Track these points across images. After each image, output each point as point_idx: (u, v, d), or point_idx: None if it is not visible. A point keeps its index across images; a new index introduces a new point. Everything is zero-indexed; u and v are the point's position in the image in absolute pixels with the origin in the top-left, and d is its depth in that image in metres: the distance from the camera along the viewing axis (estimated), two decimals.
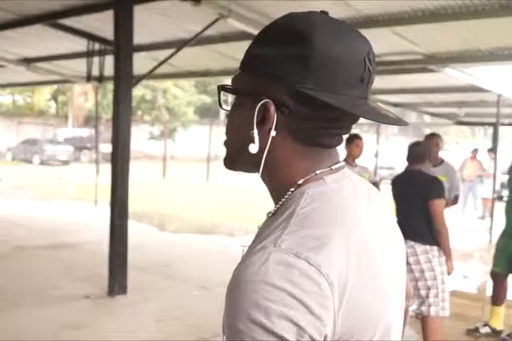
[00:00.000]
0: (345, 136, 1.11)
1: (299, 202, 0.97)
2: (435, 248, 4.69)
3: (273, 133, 1.00)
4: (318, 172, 1.03)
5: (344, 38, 0.98)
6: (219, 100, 1.10)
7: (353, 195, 1.04)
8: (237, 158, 1.10)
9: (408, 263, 4.67)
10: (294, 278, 0.85)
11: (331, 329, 0.87)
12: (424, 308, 4.70)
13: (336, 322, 0.88)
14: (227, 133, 1.11)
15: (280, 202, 1.03)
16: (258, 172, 1.05)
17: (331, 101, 0.95)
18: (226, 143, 1.12)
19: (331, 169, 1.05)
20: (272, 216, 1.04)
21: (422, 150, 4.95)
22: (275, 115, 0.99)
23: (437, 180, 4.85)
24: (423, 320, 4.77)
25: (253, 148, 1.01)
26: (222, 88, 1.09)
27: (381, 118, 0.99)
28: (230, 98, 1.11)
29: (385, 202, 1.17)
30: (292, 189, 1.02)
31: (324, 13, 1.03)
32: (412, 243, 4.65)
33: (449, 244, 4.74)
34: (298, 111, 0.99)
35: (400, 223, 4.89)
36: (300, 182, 1.02)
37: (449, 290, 4.81)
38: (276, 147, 1.02)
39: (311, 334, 0.84)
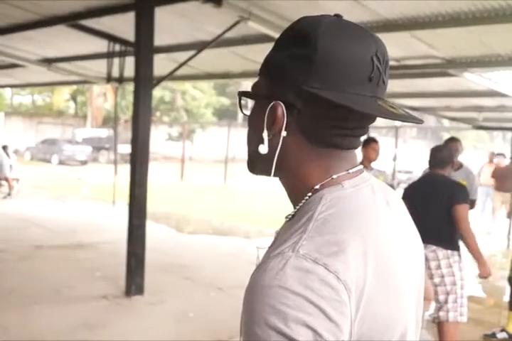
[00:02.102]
0: (361, 139, 1.12)
1: (317, 207, 0.97)
2: (456, 253, 4.66)
3: (283, 133, 1.01)
4: (335, 176, 1.03)
5: (350, 37, 0.99)
6: (239, 105, 1.14)
7: (372, 200, 1.04)
8: (254, 162, 1.12)
9: (429, 268, 4.66)
10: (312, 284, 0.85)
11: (347, 335, 0.87)
12: (442, 313, 4.65)
13: (352, 328, 0.88)
14: (247, 137, 1.13)
15: (298, 207, 1.04)
16: (271, 172, 1.06)
17: (333, 99, 0.95)
18: (247, 148, 1.14)
19: (349, 173, 1.04)
20: (290, 220, 1.04)
21: (446, 156, 4.90)
22: (284, 116, 1.00)
23: (461, 185, 4.83)
24: (440, 325, 4.72)
25: (263, 149, 1.02)
26: (242, 94, 1.12)
27: (387, 114, 0.98)
28: (250, 103, 1.13)
29: (404, 206, 1.17)
30: (310, 193, 1.03)
31: (338, 16, 1.04)
32: (434, 247, 4.62)
33: (478, 248, 4.69)
34: (306, 110, 1.00)
35: (421, 227, 4.88)
36: (317, 186, 1.03)
37: (466, 296, 4.77)
38: (290, 148, 1.03)
39: (328, 339, 0.83)
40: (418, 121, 1.02)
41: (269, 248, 0.99)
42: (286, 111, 1.00)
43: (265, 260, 0.92)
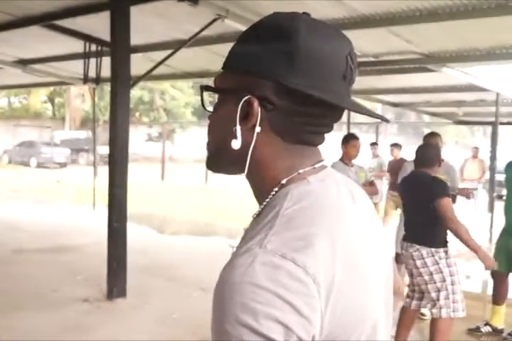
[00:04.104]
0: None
1: (284, 203, 0.97)
2: (441, 250, 4.65)
3: (258, 129, 1.01)
4: (301, 171, 1.03)
5: (327, 36, 1.00)
6: (202, 100, 1.13)
7: (337, 195, 1.04)
8: (218, 158, 1.11)
9: (416, 267, 4.68)
10: (281, 279, 0.85)
11: (318, 329, 0.87)
12: (435, 311, 4.66)
13: (322, 322, 0.88)
14: (209, 133, 1.13)
15: (264, 203, 1.04)
16: (243, 170, 1.06)
17: (320, 96, 0.96)
18: (208, 144, 1.14)
19: (314, 168, 1.05)
20: (257, 217, 1.04)
21: (432, 155, 4.89)
22: (259, 111, 1.00)
23: (438, 179, 4.81)
24: (433, 322, 4.73)
25: (235, 144, 1.01)
26: (205, 88, 1.10)
27: (367, 112, 1.01)
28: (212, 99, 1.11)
29: (369, 201, 1.18)
30: (276, 189, 1.03)
31: (307, 14, 1.05)
32: (418, 246, 4.63)
33: (472, 239, 4.62)
34: (282, 106, 1.00)
35: (408, 226, 4.88)
36: (283, 181, 1.03)
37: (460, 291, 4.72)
38: (260, 144, 1.02)
39: (298, 334, 0.84)
40: (387, 120, 1.08)
41: (238, 245, 0.98)
42: (260, 107, 1.00)
43: (233, 257, 0.92)
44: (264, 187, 1.05)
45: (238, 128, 1.01)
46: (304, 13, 1.04)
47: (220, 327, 0.86)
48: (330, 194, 1.03)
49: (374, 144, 13.36)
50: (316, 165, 1.06)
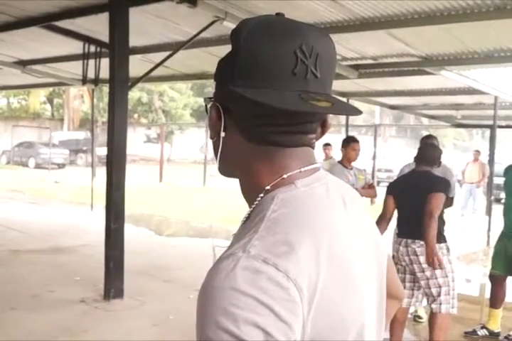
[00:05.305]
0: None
1: (269, 207, 0.97)
2: (444, 245, 4.69)
3: (222, 134, 1.04)
4: (285, 176, 1.02)
5: (270, 34, 0.98)
6: (206, 110, 1.13)
7: (326, 199, 1.04)
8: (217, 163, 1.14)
9: (419, 262, 4.68)
10: (262, 284, 0.85)
11: (299, 334, 0.87)
12: (434, 306, 4.69)
13: (305, 327, 0.88)
14: None
15: (251, 208, 1.04)
16: (223, 173, 1.14)
17: (250, 96, 0.94)
18: None
19: (301, 171, 1.03)
20: (245, 222, 1.05)
21: (436, 155, 4.96)
22: (221, 117, 1.04)
23: (444, 178, 4.90)
24: (432, 318, 4.76)
25: (210, 150, 1.05)
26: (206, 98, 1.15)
27: (308, 108, 0.94)
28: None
29: (363, 205, 1.17)
30: (262, 195, 1.03)
31: (280, 14, 1.05)
32: (422, 242, 4.63)
33: (433, 240, 4.54)
34: (238, 110, 1.02)
35: (409, 223, 4.84)
36: (268, 187, 1.02)
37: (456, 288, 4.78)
38: (234, 149, 1.05)
39: (278, 339, 0.83)
40: (352, 113, 1.01)
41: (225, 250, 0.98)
42: (223, 112, 1.04)
43: (218, 261, 0.92)
44: (250, 192, 1.06)
45: (209, 135, 1.09)
46: (276, 13, 1.05)
47: (202, 331, 0.87)
48: (317, 198, 1.02)
49: (327, 145, 11.82)
50: (304, 169, 1.04)
